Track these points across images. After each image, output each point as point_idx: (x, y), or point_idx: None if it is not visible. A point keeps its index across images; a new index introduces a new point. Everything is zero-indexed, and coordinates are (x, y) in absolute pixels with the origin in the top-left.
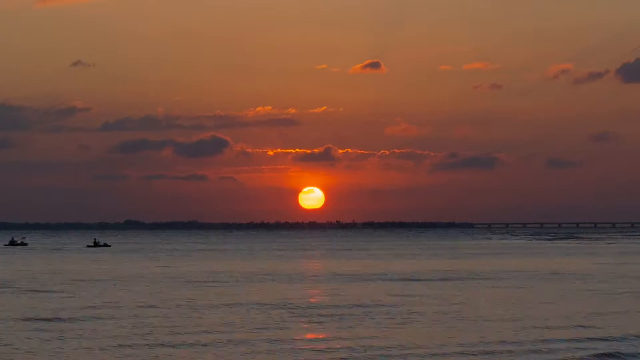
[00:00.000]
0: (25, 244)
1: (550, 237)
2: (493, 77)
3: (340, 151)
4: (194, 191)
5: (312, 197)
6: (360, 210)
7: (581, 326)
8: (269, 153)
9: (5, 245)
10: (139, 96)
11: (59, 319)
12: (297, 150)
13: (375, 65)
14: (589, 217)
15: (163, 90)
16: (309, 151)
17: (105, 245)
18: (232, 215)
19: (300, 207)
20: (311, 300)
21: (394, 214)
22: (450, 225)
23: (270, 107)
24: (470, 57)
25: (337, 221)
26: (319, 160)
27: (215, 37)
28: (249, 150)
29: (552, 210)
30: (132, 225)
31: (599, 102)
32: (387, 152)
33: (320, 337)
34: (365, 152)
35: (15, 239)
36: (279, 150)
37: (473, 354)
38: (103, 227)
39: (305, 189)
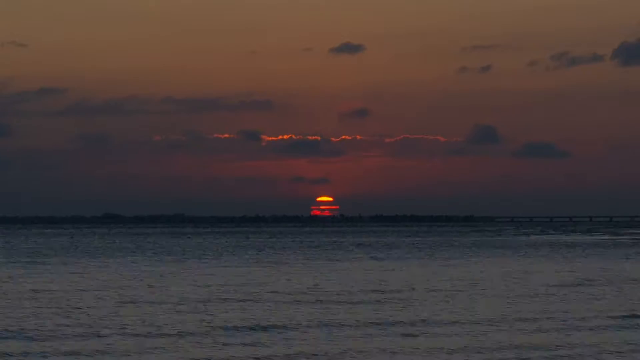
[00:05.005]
0: None
1: None
2: (486, 58)
3: (333, 139)
4: (176, 182)
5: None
6: (365, 202)
7: None
8: (261, 139)
9: None
10: (105, 80)
11: None
12: (288, 136)
13: (357, 47)
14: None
15: (128, 73)
16: (295, 137)
17: None
18: (221, 208)
19: (299, 199)
20: None
21: (403, 206)
22: (469, 218)
23: (248, 91)
24: (460, 36)
25: (340, 215)
26: (315, 148)
27: (183, 15)
28: (235, 137)
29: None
30: (111, 219)
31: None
32: (390, 139)
33: None
34: (362, 137)
35: None
36: (272, 137)
37: None
38: (78, 220)
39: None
